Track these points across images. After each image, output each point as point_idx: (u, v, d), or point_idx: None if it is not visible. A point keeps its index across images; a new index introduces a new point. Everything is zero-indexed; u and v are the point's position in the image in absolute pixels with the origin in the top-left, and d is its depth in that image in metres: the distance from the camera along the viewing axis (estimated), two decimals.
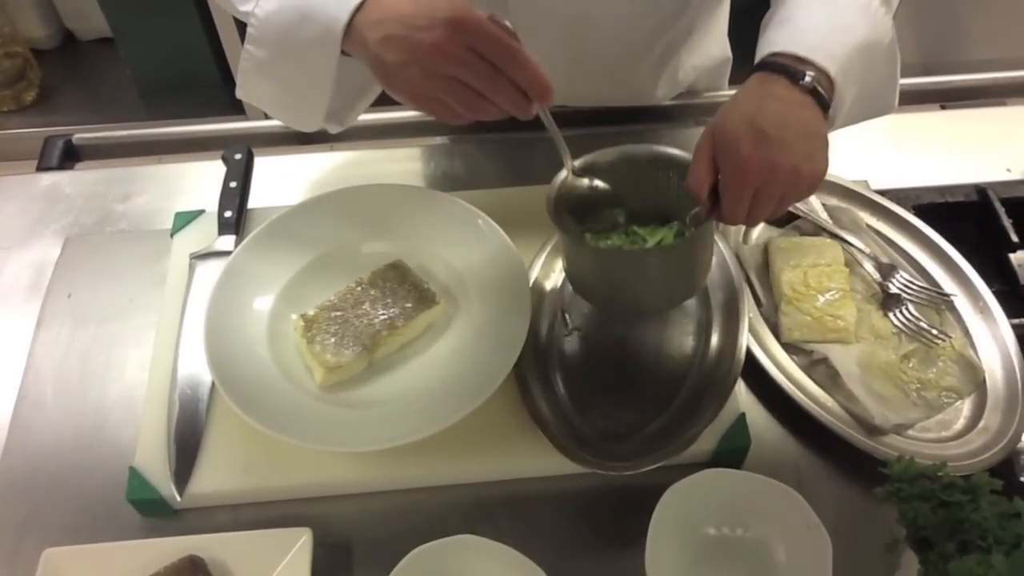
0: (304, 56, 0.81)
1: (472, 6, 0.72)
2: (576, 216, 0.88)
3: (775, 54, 0.81)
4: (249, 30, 0.83)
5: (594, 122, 1.24)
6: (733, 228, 1.04)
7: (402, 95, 0.77)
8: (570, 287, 0.97)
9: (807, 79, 0.79)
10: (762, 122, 0.76)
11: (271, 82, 0.86)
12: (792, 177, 0.76)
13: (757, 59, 0.83)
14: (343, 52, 0.79)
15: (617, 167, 0.87)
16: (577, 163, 0.86)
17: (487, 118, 0.77)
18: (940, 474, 0.73)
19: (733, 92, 0.82)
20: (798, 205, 1.05)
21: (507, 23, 0.73)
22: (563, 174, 0.85)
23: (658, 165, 0.87)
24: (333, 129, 0.92)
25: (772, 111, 0.77)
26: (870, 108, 0.94)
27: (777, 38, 0.83)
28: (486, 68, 0.73)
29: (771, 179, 0.76)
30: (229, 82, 2.41)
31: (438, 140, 1.29)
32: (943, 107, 1.41)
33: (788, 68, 0.79)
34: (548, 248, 1.00)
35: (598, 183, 0.87)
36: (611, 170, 0.87)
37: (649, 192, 0.88)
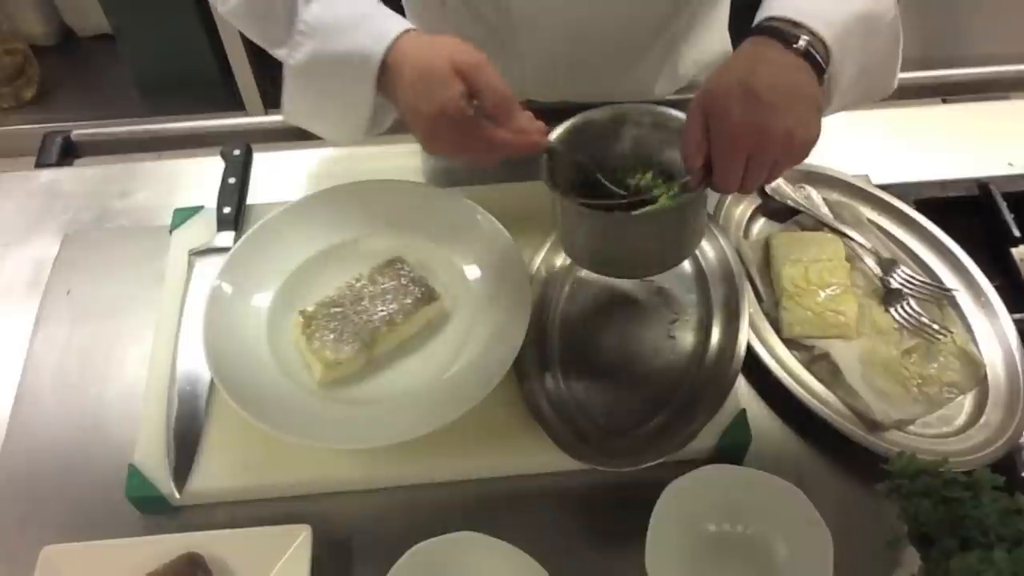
0: (343, 94, 0.88)
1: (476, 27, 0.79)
2: (572, 172, 0.86)
3: (770, 18, 0.80)
4: (286, 70, 0.90)
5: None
6: (733, 224, 1.03)
7: (416, 136, 0.85)
8: (568, 285, 0.97)
9: (801, 42, 0.77)
10: (754, 85, 0.74)
11: (314, 112, 0.94)
12: (785, 141, 0.75)
13: (753, 24, 0.82)
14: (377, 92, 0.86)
15: (608, 126, 0.87)
16: (567, 126, 0.86)
17: (487, 166, 0.86)
18: (941, 470, 0.73)
19: None
20: (798, 199, 1.05)
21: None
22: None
23: (651, 124, 0.86)
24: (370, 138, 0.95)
25: (764, 74, 0.76)
26: (869, 87, 0.92)
27: (774, 3, 0.81)
28: (480, 140, 0.81)
29: (764, 144, 0.75)
30: (228, 79, 2.41)
31: None
32: (944, 101, 1.41)
33: (782, 31, 0.78)
34: (548, 244, 0.99)
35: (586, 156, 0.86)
36: (600, 129, 0.86)
37: (644, 150, 0.87)
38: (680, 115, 0.83)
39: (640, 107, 0.87)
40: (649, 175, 0.86)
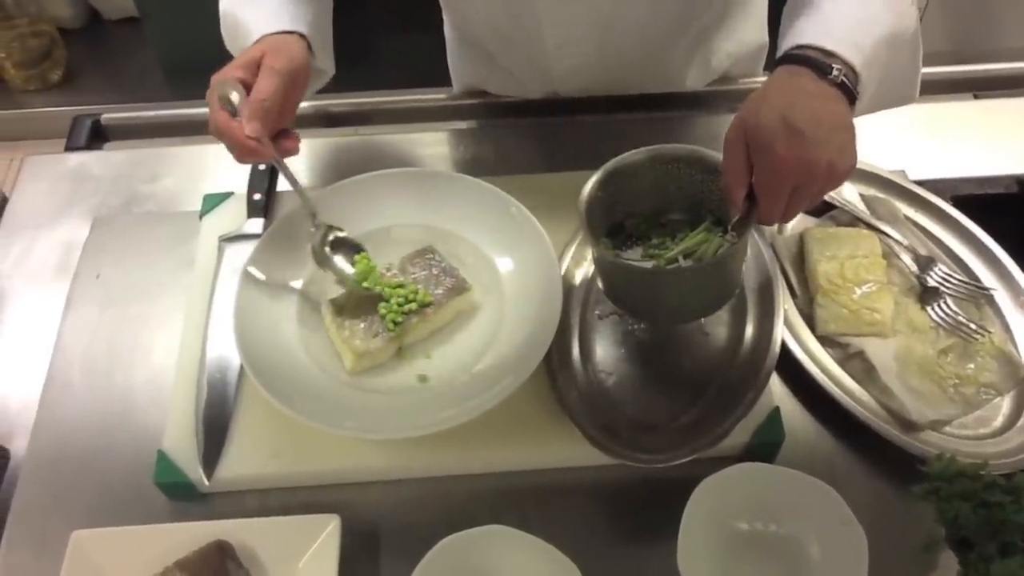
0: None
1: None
2: (607, 217, 0.88)
3: (801, 46, 0.80)
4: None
5: (623, 109, 1.22)
6: None
7: None
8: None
9: (834, 73, 0.77)
10: (795, 119, 0.74)
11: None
12: (828, 173, 0.76)
13: (782, 50, 0.82)
14: None
15: (644, 168, 0.87)
16: (604, 170, 0.86)
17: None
18: (982, 473, 0.71)
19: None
20: (833, 195, 1.03)
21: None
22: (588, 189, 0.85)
23: (686, 163, 0.87)
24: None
25: (804, 107, 0.75)
26: (889, 98, 0.93)
27: (804, 30, 0.81)
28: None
29: (809, 178, 0.75)
30: None
31: (466, 124, 1.27)
32: (976, 96, 1.38)
33: (816, 61, 0.78)
34: (579, 236, 0.98)
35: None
36: (637, 172, 0.87)
37: (676, 190, 0.89)
38: (714, 154, 0.84)
39: (675, 148, 0.87)
40: (698, 233, 0.88)
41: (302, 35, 0.90)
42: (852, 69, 0.78)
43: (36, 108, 2.57)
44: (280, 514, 0.81)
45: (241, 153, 0.84)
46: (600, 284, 0.92)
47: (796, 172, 0.75)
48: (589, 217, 0.83)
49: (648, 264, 0.87)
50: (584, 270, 0.97)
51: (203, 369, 0.90)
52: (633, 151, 0.87)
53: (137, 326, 0.97)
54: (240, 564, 0.78)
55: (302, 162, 1.12)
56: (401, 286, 0.90)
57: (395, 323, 0.88)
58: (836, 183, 0.78)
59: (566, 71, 1.16)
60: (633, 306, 0.89)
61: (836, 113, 0.77)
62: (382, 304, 0.89)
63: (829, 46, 0.78)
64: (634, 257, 0.89)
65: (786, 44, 0.82)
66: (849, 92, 0.78)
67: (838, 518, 0.76)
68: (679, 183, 0.88)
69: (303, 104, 1.23)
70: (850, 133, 0.78)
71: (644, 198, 0.89)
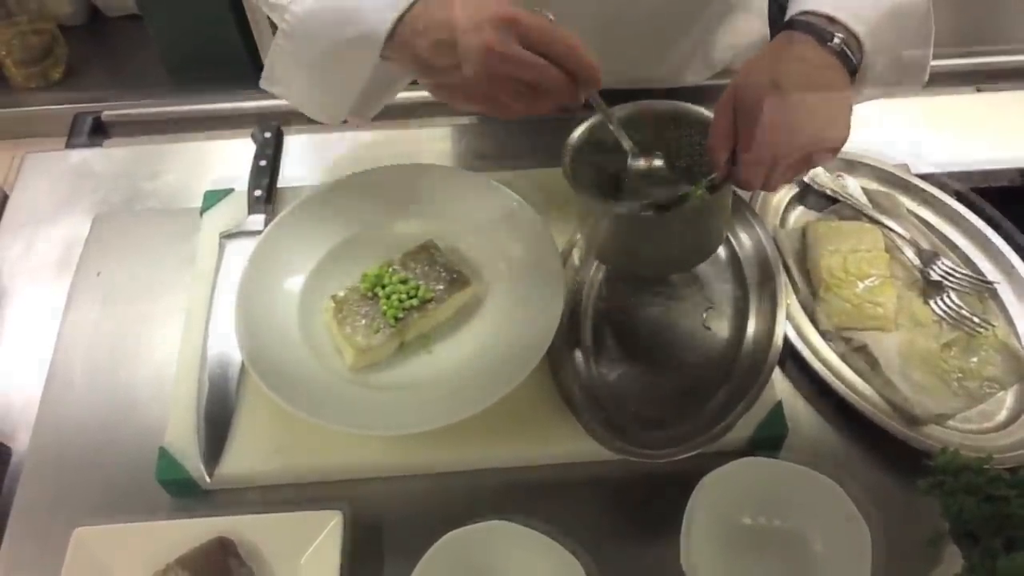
0: (341, 57, 0.80)
1: (514, 4, 0.72)
2: (594, 170, 0.86)
3: (805, 12, 0.79)
4: (282, 25, 0.81)
5: (626, 103, 1.21)
6: (771, 212, 1.02)
7: (456, 98, 0.77)
8: (602, 273, 0.96)
9: (835, 40, 0.76)
10: (786, 84, 0.73)
11: (300, 77, 0.85)
12: (812, 142, 0.75)
13: (787, 17, 0.81)
14: (382, 56, 0.77)
15: (636, 122, 0.86)
16: (587, 124, 0.85)
17: (541, 112, 0.76)
18: (986, 467, 0.71)
19: None
20: (837, 189, 1.03)
21: (550, 16, 0.73)
22: (577, 131, 0.84)
23: (679, 122, 0.86)
24: (355, 122, 0.91)
25: (796, 73, 0.75)
26: (899, 81, 0.91)
27: None
28: (537, 61, 0.73)
29: (790, 144, 0.75)
30: (257, 60, 2.39)
31: (467, 119, 1.27)
32: (979, 89, 1.38)
33: (816, 28, 0.77)
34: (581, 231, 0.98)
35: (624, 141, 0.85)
36: (629, 124, 0.85)
37: (670, 148, 0.87)
38: (701, 110, 0.83)
39: (662, 103, 0.86)
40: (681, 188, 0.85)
41: None
42: (855, 37, 0.77)
43: (37, 105, 2.55)
44: (282, 510, 0.81)
45: (592, 80, 0.76)
46: (582, 234, 0.90)
47: (778, 136, 0.74)
48: (573, 168, 0.82)
49: (623, 209, 0.84)
50: (587, 264, 0.96)
51: (204, 365, 0.90)
52: (618, 107, 0.85)
53: (138, 323, 0.97)
54: (242, 560, 0.78)
55: (302, 157, 1.11)
56: (403, 282, 0.90)
57: (396, 319, 0.87)
58: (824, 154, 0.77)
59: None
60: (612, 257, 0.88)
61: (830, 82, 0.76)
62: (383, 300, 0.88)
63: (832, 12, 0.77)
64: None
65: (791, 11, 0.81)
66: (849, 62, 0.77)
67: (842, 513, 0.75)
68: (670, 140, 0.87)
69: None
70: (843, 104, 0.76)
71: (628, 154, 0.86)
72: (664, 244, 0.85)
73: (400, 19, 0.75)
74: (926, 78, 0.92)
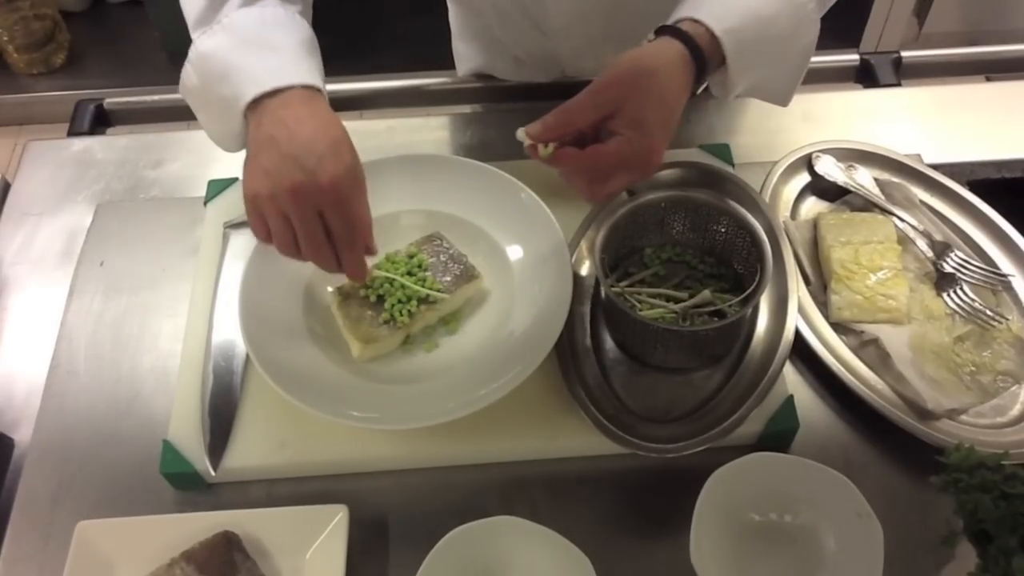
0: (217, 106, 0.83)
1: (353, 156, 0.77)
2: (623, 244, 0.92)
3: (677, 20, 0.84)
4: (190, 53, 0.84)
5: None
6: (781, 203, 1.00)
7: (245, 198, 0.78)
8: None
9: (687, 35, 0.81)
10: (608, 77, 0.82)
11: (197, 102, 0.88)
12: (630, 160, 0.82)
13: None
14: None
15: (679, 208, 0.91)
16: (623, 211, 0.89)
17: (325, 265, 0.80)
18: (1003, 464, 0.70)
19: None
20: (848, 179, 1.01)
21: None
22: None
23: (709, 212, 0.90)
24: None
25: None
26: (765, 81, 0.92)
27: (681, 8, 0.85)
28: (318, 234, 0.76)
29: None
30: None
31: (471, 109, 1.26)
32: (988, 79, 1.36)
33: (676, 29, 0.82)
34: (590, 222, 0.97)
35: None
36: (672, 208, 0.91)
37: (705, 240, 0.93)
38: (741, 211, 0.88)
39: (687, 195, 0.90)
40: (706, 291, 0.89)
41: (318, 89, 0.81)
42: (710, 33, 0.81)
43: (39, 92, 2.55)
44: (287, 504, 0.81)
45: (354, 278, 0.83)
46: (606, 322, 0.92)
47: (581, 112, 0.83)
48: (602, 259, 0.85)
49: (647, 319, 0.85)
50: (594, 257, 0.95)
51: (209, 357, 0.89)
52: (649, 195, 0.89)
53: (141, 313, 0.96)
54: (247, 555, 0.78)
55: None
56: (410, 273, 0.88)
57: (403, 311, 0.86)
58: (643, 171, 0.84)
59: (572, 52, 1.14)
60: (622, 340, 0.89)
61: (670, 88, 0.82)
62: (389, 292, 0.87)
63: (696, 15, 0.82)
64: (641, 291, 0.90)
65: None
66: (696, 50, 0.81)
67: (854, 509, 0.75)
68: (698, 228, 0.92)
69: None
70: (668, 111, 0.83)
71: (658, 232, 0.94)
72: (684, 349, 0.86)
73: (268, 95, 0.78)
74: (789, 101, 0.94)
